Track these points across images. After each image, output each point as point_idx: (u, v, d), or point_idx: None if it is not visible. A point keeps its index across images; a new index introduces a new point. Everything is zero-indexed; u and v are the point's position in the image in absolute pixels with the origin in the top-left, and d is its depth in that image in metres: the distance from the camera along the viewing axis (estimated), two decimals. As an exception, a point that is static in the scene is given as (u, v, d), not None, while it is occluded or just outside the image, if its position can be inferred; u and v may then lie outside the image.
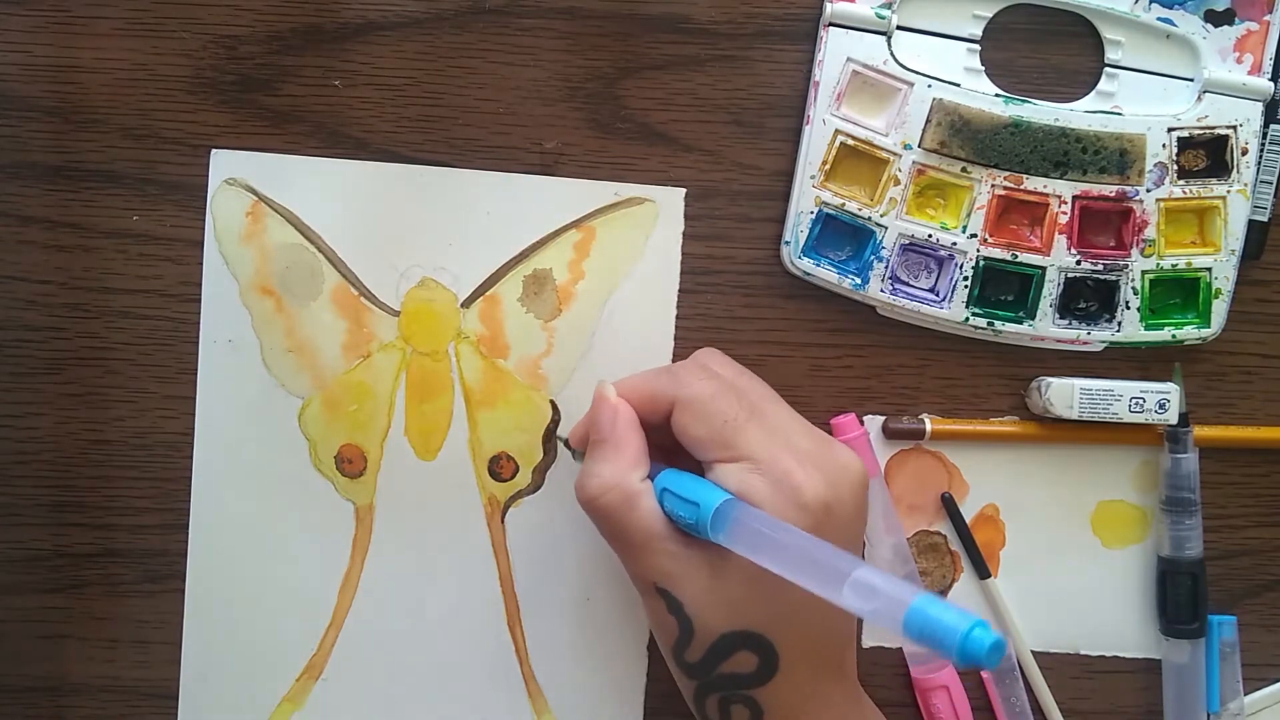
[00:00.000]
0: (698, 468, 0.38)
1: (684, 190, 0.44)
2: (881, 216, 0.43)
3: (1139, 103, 0.43)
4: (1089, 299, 0.44)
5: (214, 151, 0.43)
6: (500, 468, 0.44)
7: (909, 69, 0.42)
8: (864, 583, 0.30)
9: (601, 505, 0.37)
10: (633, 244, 0.44)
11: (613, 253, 0.44)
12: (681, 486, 0.36)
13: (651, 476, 0.38)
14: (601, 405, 0.39)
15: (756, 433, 0.37)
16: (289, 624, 0.44)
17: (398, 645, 0.44)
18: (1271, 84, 0.43)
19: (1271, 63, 0.43)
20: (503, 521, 0.44)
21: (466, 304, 0.44)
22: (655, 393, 0.39)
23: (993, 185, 0.42)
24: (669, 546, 0.36)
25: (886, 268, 0.43)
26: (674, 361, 0.44)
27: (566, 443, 0.42)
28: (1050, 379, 0.44)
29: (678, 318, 0.44)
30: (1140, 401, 0.43)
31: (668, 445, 0.39)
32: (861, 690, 0.40)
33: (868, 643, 0.45)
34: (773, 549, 0.33)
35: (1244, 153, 0.43)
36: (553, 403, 0.44)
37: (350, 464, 0.44)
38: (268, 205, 0.43)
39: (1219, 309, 0.44)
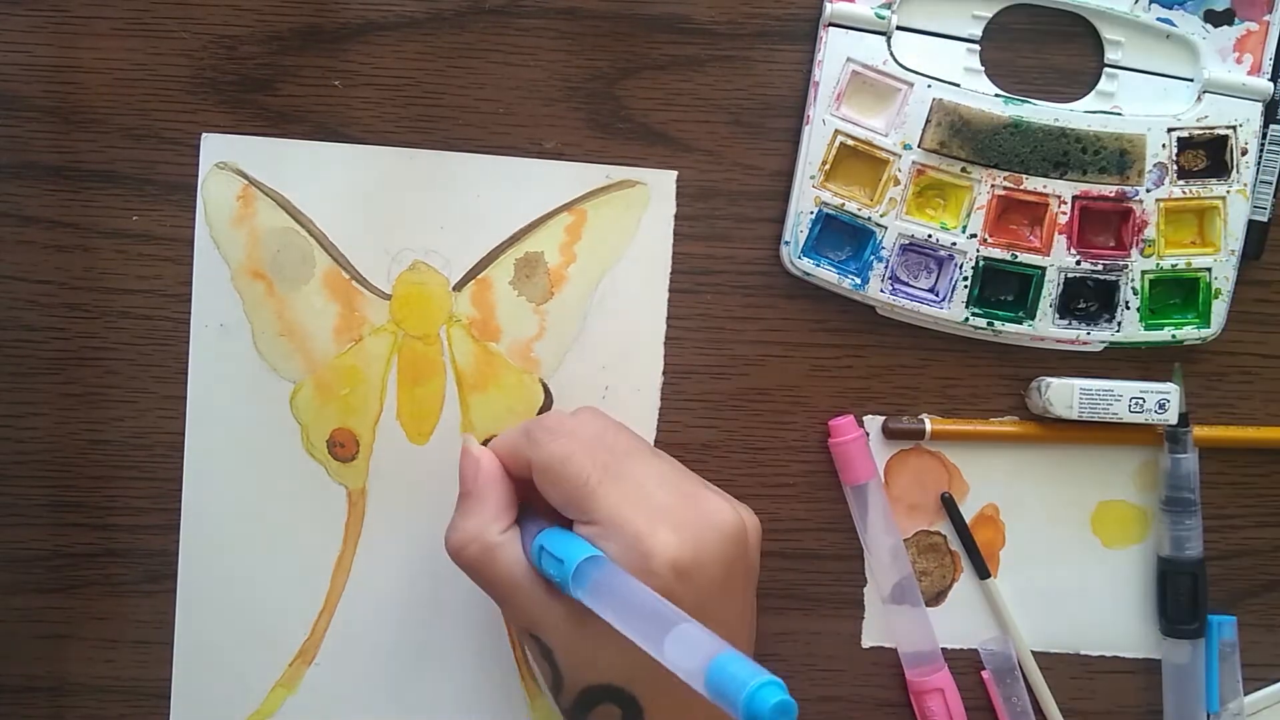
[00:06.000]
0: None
1: (675, 173, 0.44)
2: (881, 216, 0.43)
3: (1139, 103, 0.43)
4: (1089, 299, 0.44)
5: (204, 135, 0.43)
6: None
7: (909, 69, 0.42)
8: (682, 637, 0.29)
9: (464, 558, 0.38)
10: (624, 226, 0.44)
11: (604, 235, 0.44)
12: (555, 544, 0.36)
13: (539, 531, 0.37)
14: (464, 458, 0.39)
15: (610, 494, 0.36)
16: (282, 608, 0.44)
17: (390, 629, 0.44)
18: (1271, 84, 0.43)
19: (1271, 63, 0.43)
20: None
21: (458, 287, 0.44)
22: (515, 452, 0.39)
23: (992, 185, 0.42)
24: (533, 597, 0.37)
25: (886, 268, 0.43)
26: (664, 348, 0.44)
27: None
28: (1050, 379, 0.44)
29: (677, 318, 0.44)
30: (1140, 401, 0.43)
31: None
32: None
33: (866, 643, 0.45)
34: (612, 605, 0.32)
35: (1244, 153, 0.43)
36: (545, 386, 0.44)
37: (342, 448, 0.44)
38: (258, 189, 0.43)
39: (1219, 309, 0.44)
